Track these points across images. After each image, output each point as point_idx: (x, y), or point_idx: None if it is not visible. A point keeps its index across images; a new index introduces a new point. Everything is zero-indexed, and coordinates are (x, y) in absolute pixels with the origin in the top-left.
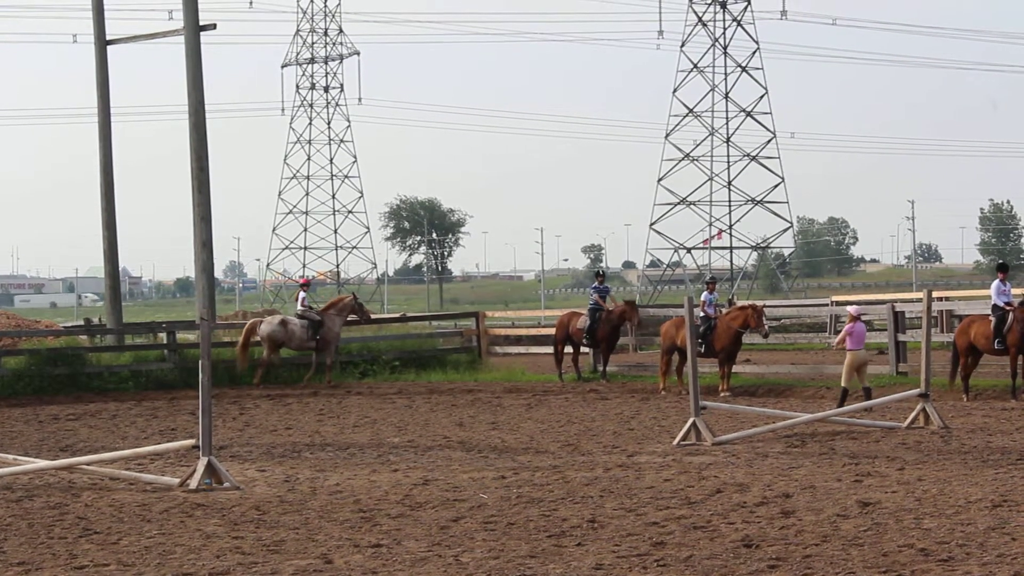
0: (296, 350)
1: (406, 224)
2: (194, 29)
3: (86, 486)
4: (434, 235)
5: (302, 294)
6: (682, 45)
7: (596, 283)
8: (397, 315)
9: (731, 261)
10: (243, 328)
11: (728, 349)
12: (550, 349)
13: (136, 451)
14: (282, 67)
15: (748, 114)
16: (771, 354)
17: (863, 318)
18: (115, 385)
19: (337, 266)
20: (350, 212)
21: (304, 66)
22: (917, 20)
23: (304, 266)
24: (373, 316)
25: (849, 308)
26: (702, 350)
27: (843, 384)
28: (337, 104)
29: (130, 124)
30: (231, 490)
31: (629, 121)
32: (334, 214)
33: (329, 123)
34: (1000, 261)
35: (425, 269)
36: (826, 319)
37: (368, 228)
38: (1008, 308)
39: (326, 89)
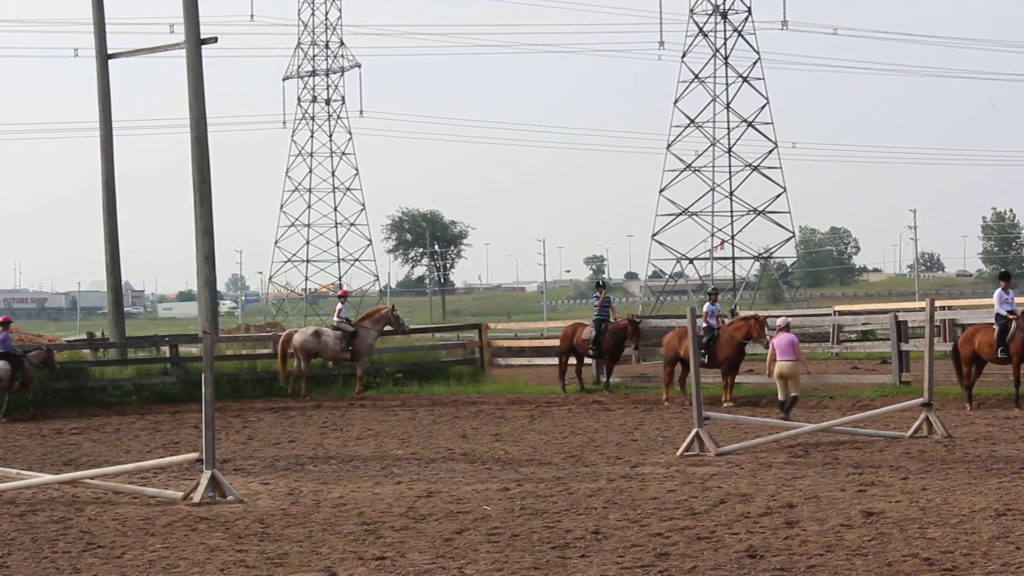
0: (330, 360)
1: (408, 236)
2: (195, 42)
3: (90, 500)
4: (436, 247)
5: (339, 305)
6: (683, 56)
7: (597, 293)
8: None
9: (733, 271)
10: (279, 341)
11: (731, 360)
12: (553, 360)
13: (139, 465)
14: (283, 80)
15: (749, 124)
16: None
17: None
18: (118, 399)
19: (339, 278)
20: (352, 224)
21: (305, 79)
22: (918, 29)
23: (307, 279)
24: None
25: (778, 320)
26: (705, 361)
27: (794, 392)
28: (339, 116)
29: (132, 137)
30: (235, 503)
31: (630, 132)
32: (336, 226)
33: (331, 135)
34: (1003, 270)
35: (427, 281)
36: (828, 329)
37: (370, 240)
38: (1011, 317)
39: (327, 102)
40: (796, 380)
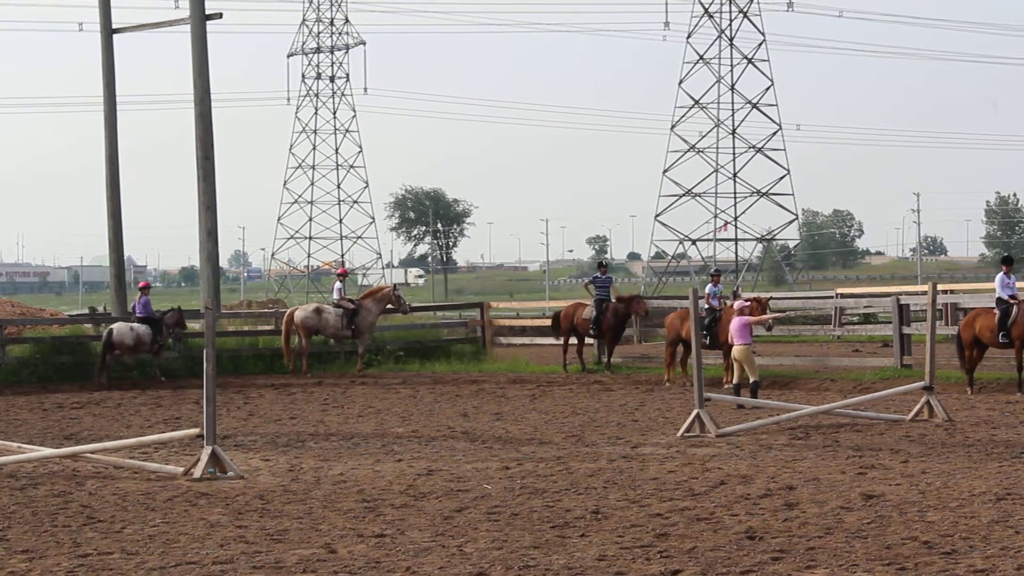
0: (331, 338)
1: (411, 214)
2: (200, 18)
3: (90, 474)
4: (439, 225)
5: (338, 284)
6: (688, 36)
7: (598, 273)
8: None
9: (736, 253)
10: (282, 320)
11: None
12: (554, 340)
13: (140, 440)
14: (288, 56)
15: (754, 106)
16: (775, 346)
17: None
18: (120, 373)
19: (342, 256)
20: (355, 202)
21: (310, 55)
22: (923, 12)
23: (309, 256)
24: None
25: (735, 304)
26: (707, 342)
27: (753, 378)
28: (343, 94)
29: (135, 112)
30: (235, 479)
31: (634, 112)
32: (339, 204)
33: (335, 113)
34: (1005, 254)
35: (430, 259)
36: (831, 312)
37: (373, 218)
38: (1013, 301)
39: (332, 79)
40: (751, 364)
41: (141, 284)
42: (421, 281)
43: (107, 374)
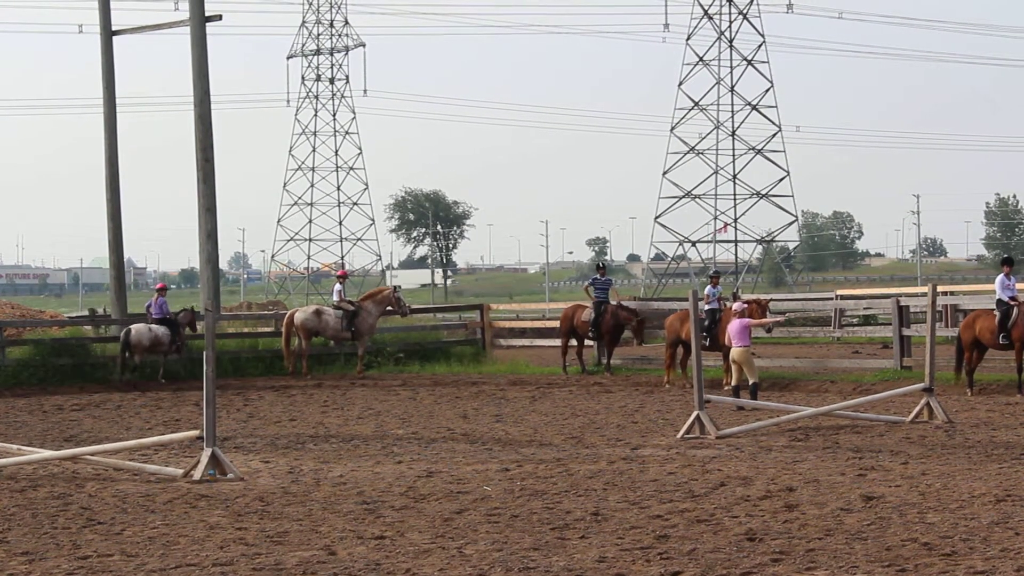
0: (331, 339)
1: (411, 216)
2: (200, 20)
3: (90, 476)
4: (439, 227)
5: (338, 286)
6: (688, 38)
7: (597, 275)
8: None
9: (736, 255)
10: (282, 322)
11: None
12: (554, 342)
13: (140, 442)
14: (287, 58)
15: (754, 107)
16: (775, 348)
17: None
18: (119, 375)
19: (342, 258)
20: (355, 204)
21: (310, 57)
22: (922, 13)
23: (309, 258)
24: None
25: (734, 305)
26: (706, 344)
27: (752, 380)
28: (343, 96)
29: (135, 114)
30: (235, 481)
31: (634, 114)
32: (339, 206)
33: (334, 115)
34: (1005, 255)
35: (430, 261)
36: (831, 313)
37: (373, 220)
38: (1013, 303)
39: (332, 81)
40: (750, 366)
41: (158, 285)
42: (449, 282)
43: (111, 374)
